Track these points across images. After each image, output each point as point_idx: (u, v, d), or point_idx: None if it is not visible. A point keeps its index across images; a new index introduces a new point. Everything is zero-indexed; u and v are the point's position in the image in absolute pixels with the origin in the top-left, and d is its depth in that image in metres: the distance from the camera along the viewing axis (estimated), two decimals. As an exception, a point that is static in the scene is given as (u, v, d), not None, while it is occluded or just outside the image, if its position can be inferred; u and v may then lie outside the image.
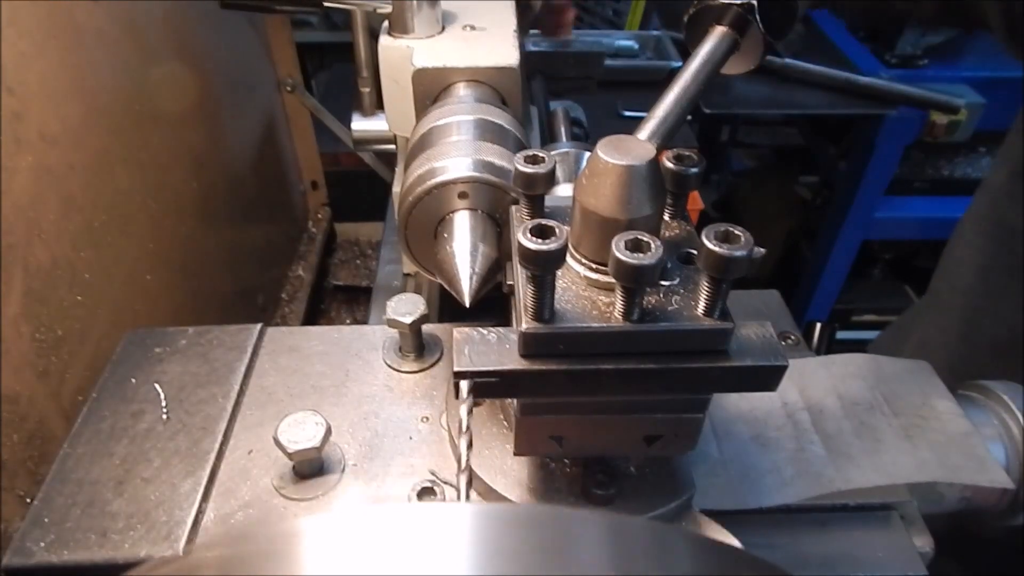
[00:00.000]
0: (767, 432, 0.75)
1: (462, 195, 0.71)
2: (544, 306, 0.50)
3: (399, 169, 1.03)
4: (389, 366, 0.83)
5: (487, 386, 0.52)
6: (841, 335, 2.80)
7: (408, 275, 1.27)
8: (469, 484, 0.52)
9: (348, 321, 1.88)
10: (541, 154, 0.57)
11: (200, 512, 0.68)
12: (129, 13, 1.10)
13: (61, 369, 0.87)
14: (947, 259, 1.54)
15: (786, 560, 0.70)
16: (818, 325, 1.16)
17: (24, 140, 0.83)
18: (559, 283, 0.52)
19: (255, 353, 0.85)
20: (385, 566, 0.29)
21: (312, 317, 1.81)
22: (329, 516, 0.31)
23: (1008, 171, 1.37)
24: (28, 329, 0.82)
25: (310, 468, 0.70)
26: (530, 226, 0.47)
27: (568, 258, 0.54)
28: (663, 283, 0.52)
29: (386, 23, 0.91)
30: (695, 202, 1.97)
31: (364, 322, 1.58)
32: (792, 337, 0.91)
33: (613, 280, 0.48)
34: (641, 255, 0.46)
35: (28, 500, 0.79)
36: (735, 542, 0.63)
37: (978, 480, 0.72)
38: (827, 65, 2.33)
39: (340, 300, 1.93)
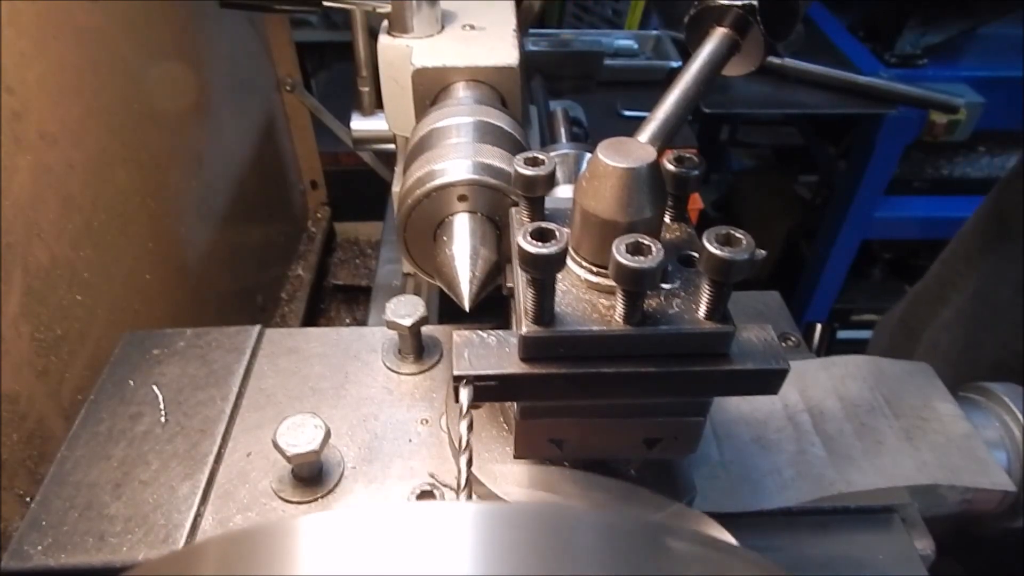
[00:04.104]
0: (768, 434, 0.75)
1: (461, 198, 0.70)
2: (544, 309, 0.50)
3: (398, 169, 1.03)
4: (388, 368, 0.83)
5: (487, 389, 0.52)
6: (841, 335, 2.80)
7: (408, 275, 1.27)
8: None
9: (348, 320, 1.88)
10: (541, 156, 0.57)
11: (199, 515, 0.68)
12: (129, 13, 1.10)
13: (60, 368, 0.87)
14: (960, 256, 1.51)
15: (787, 562, 0.70)
16: (818, 326, 1.16)
17: (24, 139, 0.83)
18: (559, 286, 0.52)
19: (254, 355, 0.84)
20: (385, 566, 0.29)
21: (312, 316, 1.81)
22: (330, 515, 0.31)
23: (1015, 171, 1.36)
24: (28, 328, 0.82)
25: (309, 471, 0.70)
26: (530, 229, 0.47)
27: (568, 261, 0.54)
28: (664, 286, 0.52)
29: (385, 22, 0.91)
30: (695, 202, 1.97)
31: (364, 321, 1.58)
32: (792, 338, 0.91)
33: (614, 283, 0.48)
34: (642, 258, 0.46)
35: (28, 500, 0.79)
36: (731, 539, 0.63)
37: (979, 482, 0.72)
38: (827, 65, 2.32)
39: (340, 299, 1.93)
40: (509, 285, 0.61)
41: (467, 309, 0.68)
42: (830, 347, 1.28)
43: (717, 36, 0.63)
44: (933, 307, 1.56)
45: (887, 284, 2.94)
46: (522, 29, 0.96)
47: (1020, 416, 0.78)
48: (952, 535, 0.78)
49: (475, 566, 0.29)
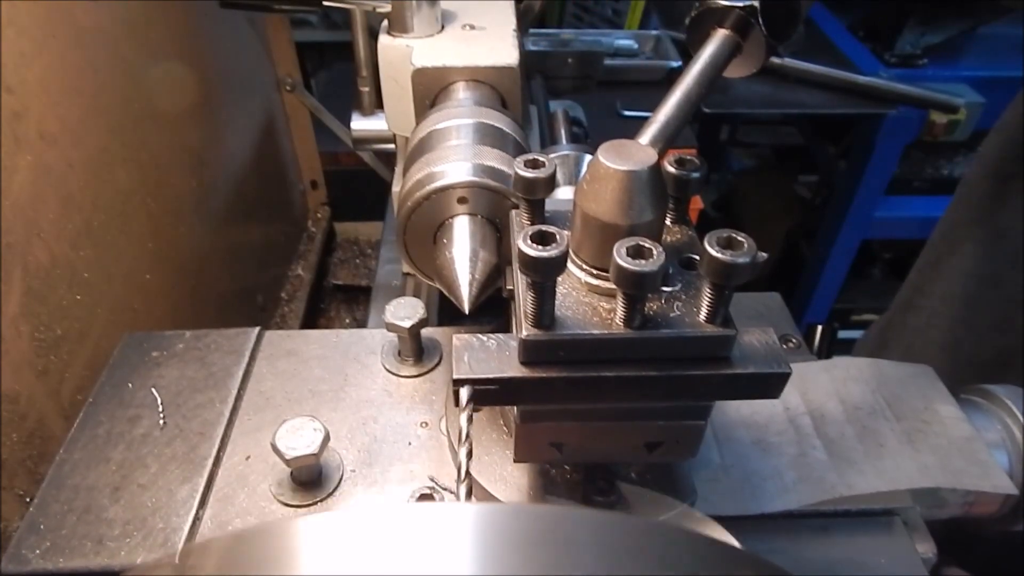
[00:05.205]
0: (769, 437, 0.75)
1: (461, 200, 0.70)
2: (544, 313, 0.49)
3: (398, 169, 1.02)
4: (388, 370, 0.83)
5: (487, 393, 0.51)
6: (842, 334, 2.80)
7: (407, 275, 1.27)
8: (469, 493, 0.52)
9: (348, 320, 1.88)
10: (541, 158, 0.56)
11: (197, 519, 0.68)
12: (129, 12, 1.10)
13: (60, 368, 0.87)
14: (929, 262, 1.53)
15: (788, 565, 0.69)
16: (819, 328, 1.16)
17: (23, 139, 0.83)
18: (559, 289, 0.52)
19: (253, 357, 0.84)
20: (385, 566, 0.29)
21: (312, 316, 1.81)
22: (329, 516, 0.31)
23: (989, 174, 1.36)
24: (27, 328, 0.82)
25: (308, 475, 0.70)
26: (530, 232, 0.47)
27: (569, 263, 0.54)
28: (665, 289, 0.52)
29: (385, 22, 0.91)
30: (694, 202, 1.97)
31: (364, 321, 1.58)
32: (793, 340, 0.91)
33: (614, 286, 0.48)
34: (643, 262, 0.45)
35: (27, 499, 0.79)
36: (732, 541, 0.62)
37: (981, 485, 0.72)
38: (827, 65, 2.33)
39: (340, 299, 1.93)
40: (509, 288, 0.61)
41: (467, 312, 0.68)
42: (831, 347, 1.29)
43: (718, 38, 0.63)
44: (904, 314, 1.57)
45: (887, 284, 2.94)
46: (522, 29, 0.96)
47: (1021, 418, 0.78)
48: (951, 535, 0.78)
49: (474, 566, 0.29)
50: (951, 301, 1.43)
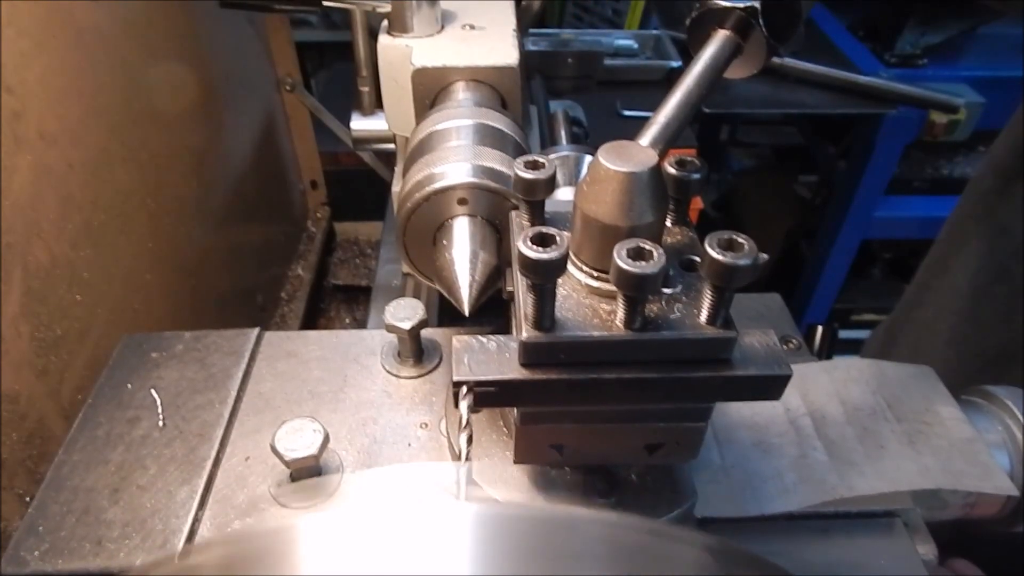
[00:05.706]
0: (769, 438, 0.75)
1: (461, 201, 0.70)
2: (544, 315, 0.49)
3: (398, 169, 1.02)
4: (388, 371, 0.83)
5: (486, 395, 0.51)
6: (843, 334, 2.80)
7: (408, 275, 1.27)
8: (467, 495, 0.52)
9: (348, 320, 1.88)
10: (541, 159, 0.56)
11: (196, 520, 0.68)
12: (129, 12, 1.09)
13: (60, 368, 0.87)
14: (936, 258, 1.54)
15: (788, 567, 0.69)
16: (819, 328, 1.16)
17: (23, 139, 0.83)
18: (560, 290, 0.51)
19: (252, 358, 0.84)
20: (385, 566, 0.29)
21: (311, 316, 1.81)
22: (329, 516, 0.31)
23: (995, 171, 1.38)
24: (27, 328, 0.82)
25: (308, 476, 0.70)
26: (530, 234, 0.46)
27: (569, 265, 0.54)
28: (665, 291, 0.52)
29: (385, 22, 0.91)
30: (694, 202, 1.97)
31: (364, 322, 1.58)
32: (794, 341, 0.91)
33: (615, 288, 0.48)
34: (643, 263, 0.45)
35: (27, 499, 0.79)
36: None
37: (982, 487, 0.71)
38: (827, 64, 2.33)
39: (340, 299, 1.93)
40: (509, 289, 0.61)
41: (467, 314, 0.67)
42: (831, 348, 1.29)
43: (719, 38, 0.63)
44: (911, 311, 1.58)
45: (887, 284, 2.94)
46: (522, 29, 0.96)
47: (1022, 419, 0.78)
48: (951, 535, 0.78)
49: (475, 566, 0.29)
50: (957, 296, 1.44)
